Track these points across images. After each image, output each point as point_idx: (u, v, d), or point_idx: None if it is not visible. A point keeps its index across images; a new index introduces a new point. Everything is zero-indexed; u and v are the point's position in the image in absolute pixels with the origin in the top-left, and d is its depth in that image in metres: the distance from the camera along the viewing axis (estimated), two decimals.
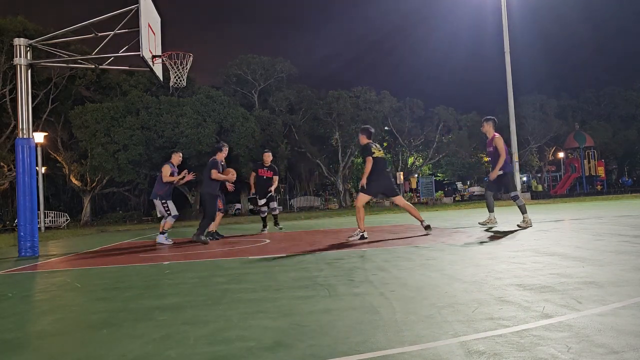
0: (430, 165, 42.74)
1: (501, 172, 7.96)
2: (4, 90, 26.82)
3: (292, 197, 45.32)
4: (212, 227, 8.97)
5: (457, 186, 47.78)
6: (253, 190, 10.42)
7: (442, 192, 42.50)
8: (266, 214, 10.30)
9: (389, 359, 1.79)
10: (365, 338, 2.06)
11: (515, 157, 25.22)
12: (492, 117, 8.53)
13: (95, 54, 8.84)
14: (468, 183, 49.05)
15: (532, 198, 28.11)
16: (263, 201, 10.12)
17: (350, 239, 6.89)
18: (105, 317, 2.79)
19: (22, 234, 7.93)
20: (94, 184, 34.75)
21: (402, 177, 37.89)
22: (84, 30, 8.62)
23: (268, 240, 7.93)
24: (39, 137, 21.42)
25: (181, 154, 9.33)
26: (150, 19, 8.54)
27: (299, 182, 46.69)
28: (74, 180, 33.72)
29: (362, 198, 7.20)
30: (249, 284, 3.64)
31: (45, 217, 23.76)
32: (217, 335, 2.25)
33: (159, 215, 9.05)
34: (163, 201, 8.69)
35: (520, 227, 7.52)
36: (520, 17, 43.29)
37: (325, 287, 3.29)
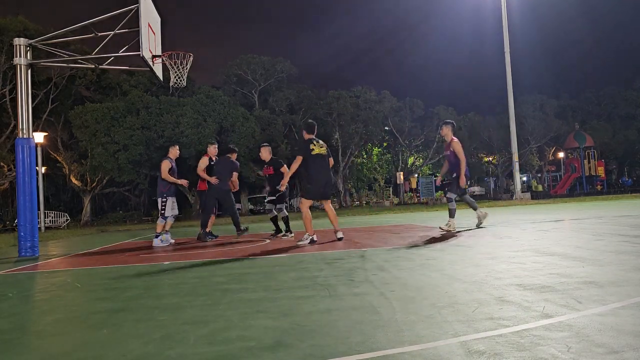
0: (430, 165, 42.73)
1: (455, 175, 7.82)
2: (4, 90, 26.81)
3: (292, 197, 45.34)
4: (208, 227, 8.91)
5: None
6: (267, 189, 9.09)
7: (442, 192, 42.51)
8: (275, 215, 8.84)
9: (389, 359, 1.79)
10: (365, 338, 2.06)
11: (515, 157, 25.22)
12: (452, 121, 8.19)
13: (95, 54, 8.84)
14: (468, 183, 49.05)
15: (532, 198, 28.10)
16: (269, 199, 8.74)
17: (299, 243, 6.57)
18: (105, 317, 2.79)
19: (22, 234, 7.93)
20: (94, 184, 34.75)
21: (402, 177, 37.89)
22: (84, 30, 8.63)
23: (268, 240, 7.93)
24: (39, 137, 21.41)
25: (178, 147, 9.23)
26: (150, 18, 8.53)
27: (299, 182, 46.69)
28: (74, 180, 33.72)
29: (306, 202, 6.84)
30: (249, 284, 3.64)
31: (45, 217, 23.75)
32: (217, 335, 2.25)
33: (172, 215, 8.73)
34: (163, 199, 8.47)
35: (442, 229, 7.59)
36: (520, 16, 43.30)
37: (325, 287, 3.29)
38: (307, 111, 36.68)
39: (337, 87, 37.44)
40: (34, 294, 3.93)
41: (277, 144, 34.36)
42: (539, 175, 44.91)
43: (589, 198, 23.93)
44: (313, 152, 6.62)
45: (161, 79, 9.25)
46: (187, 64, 9.21)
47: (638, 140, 42.35)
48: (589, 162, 38.54)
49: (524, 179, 42.81)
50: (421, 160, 42.48)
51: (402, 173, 38.17)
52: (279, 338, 2.14)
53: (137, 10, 8.11)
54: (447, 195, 7.89)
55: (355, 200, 42.43)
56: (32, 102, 11.22)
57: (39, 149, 20.43)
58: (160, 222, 8.56)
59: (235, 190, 9.10)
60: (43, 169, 25.70)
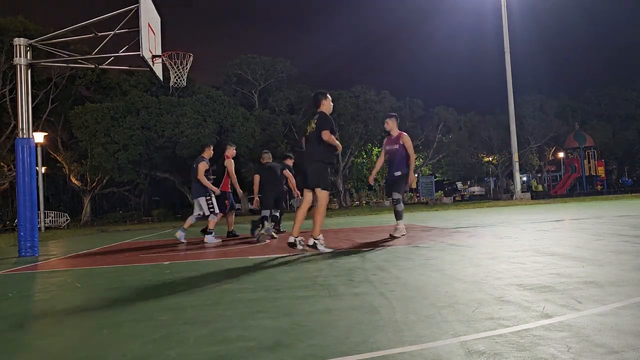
0: (430, 165, 42.76)
1: (401, 173, 6.99)
2: (4, 90, 26.82)
3: (292, 197, 45.27)
4: (215, 225, 9.02)
5: (457, 186, 47.80)
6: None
7: (442, 192, 42.52)
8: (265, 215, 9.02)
9: (389, 359, 1.79)
10: (365, 338, 2.06)
11: (515, 157, 25.22)
12: (395, 114, 7.43)
13: (95, 54, 8.84)
14: (468, 183, 49.06)
15: (532, 198, 28.10)
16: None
17: (321, 249, 5.49)
18: (105, 317, 2.79)
19: (22, 233, 7.94)
20: (94, 184, 34.75)
21: None
22: (84, 30, 8.63)
23: (268, 240, 7.93)
24: (39, 137, 21.42)
25: (212, 147, 9.01)
26: (150, 18, 8.54)
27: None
28: (74, 180, 33.73)
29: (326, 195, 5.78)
30: (249, 284, 3.64)
31: (45, 217, 23.76)
32: (217, 335, 2.25)
33: (199, 214, 8.64)
34: (208, 197, 8.42)
35: (392, 237, 6.78)
36: (520, 17, 43.32)
37: (325, 287, 3.29)
38: (307, 111, 36.67)
39: (337, 87, 37.45)
40: (34, 294, 3.93)
41: (277, 144, 34.35)
42: (539, 175, 44.91)
43: (589, 198, 23.94)
44: (307, 133, 5.80)
45: (161, 79, 9.25)
46: (187, 64, 9.21)
47: (638, 140, 42.36)
48: (589, 162, 38.54)
49: (524, 179, 42.80)
50: (421, 160, 42.48)
51: None
52: (279, 338, 2.14)
53: (137, 10, 8.11)
54: (394, 197, 6.91)
55: (355, 200, 42.46)
56: (32, 102, 11.21)
57: (39, 149, 20.44)
58: (212, 218, 8.54)
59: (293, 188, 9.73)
60: (43, 169, 25.70)
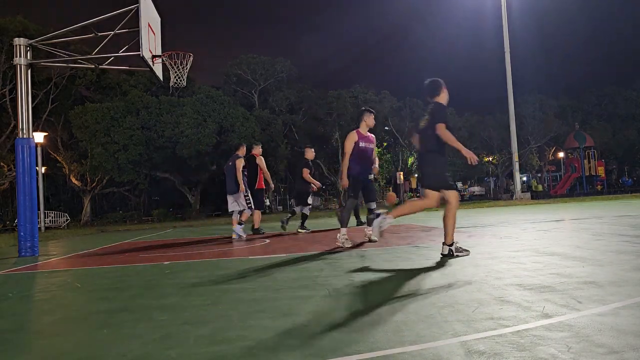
0: None
1: (372, 174, 6.63)
2: (4, 90, 26.81)
3: (292, 197, 45.28)
4: (245, 222, 9.34)
5: (457, 186, 47.76)
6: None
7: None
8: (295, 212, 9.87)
9: (389, 359, 1.79)
10: (365, 338, 2.06)
11: (515, 157, 25.21)
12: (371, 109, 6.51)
13: (95, 54, 8.84)
14: (468, 183, 49.06)
15: (532, 198, 28.10)
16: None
17: (458, 254, 4.54)
18: (105, 317, 2.79)
19: (22, 234, 7.94)
20: (94, 184, 34.75)
21: (402, 177, 37.89)
22: (84, 30, 8.63)
23: (268, 240, 7.93)
24: (39, 137, 21.41)
25: (245, 146, 9.41)
26: (150, 18, 8.54)
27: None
28: (74, 180, 33.72)
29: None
30: (249, 284, 3.64)
31: (45, 217, 23.75)
32: (217, 335, 2.25)
33: (232, 209, 9.02)
34: (245, 193, 8.86)
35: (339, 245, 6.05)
36: (520, 16, 43.32)
37: (325, 287, 3.29)
38: (307, 111, 36.71)
39: (337, 87, 37.47)
40: (34, 294, 3.93)
41: (277, 144, 34.36)
42: (539, 175, 44.91)
43: (589, 198, 23.94)
44: (420, 127, 4.86)
45: (161, 79, 9.25)
46: (187, 64, 9.21)
47: (638, 140, 42.36)
48: (589, 162, 38.55)
49: (524, 179, 42.79)
50: None
51: (402, 173, 38.17)
52: (279, 338, 2.14)
53: (137, 10, 8.11)
54: (373, 206, 6.38)
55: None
56: (32, 102, 11.22)
57: (39, 149, 20.43)
58: (247, 212, 8.92)
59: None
60: (43, 169, 25.69)
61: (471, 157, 4.52)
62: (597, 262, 3.70)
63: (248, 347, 2.03)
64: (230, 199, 8.96)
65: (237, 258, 5.53)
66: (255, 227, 9.40)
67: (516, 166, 25.14)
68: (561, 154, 41.35)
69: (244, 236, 8.79)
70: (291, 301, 2.89)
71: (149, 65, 8.45)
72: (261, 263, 4.88)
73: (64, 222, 28.29)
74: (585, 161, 38.47)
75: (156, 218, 33.17)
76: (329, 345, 2.00)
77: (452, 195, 4.67)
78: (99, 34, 8.54)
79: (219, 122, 31.52)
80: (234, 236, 8.81)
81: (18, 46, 8.20)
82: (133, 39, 8.16)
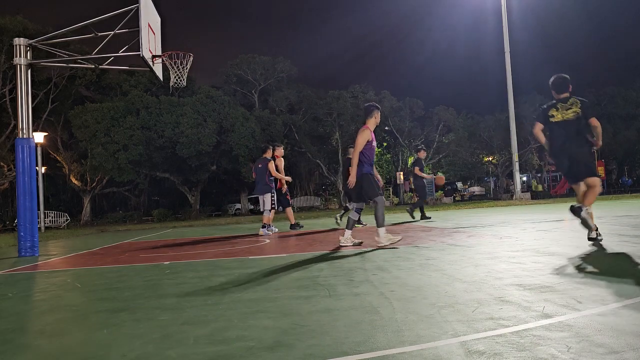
0: (430, 165, 42.75)
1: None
2: (4, 90, 26.81)
3: (292, 197, 45.22)
4: (267, 220, 9.70)
5: (457, 186, 47.76)
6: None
7: (442, 192, 42.50)
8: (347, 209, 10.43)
9: (389, 359, 1.79)
10: (365, 338, 2.06)
11: (515, 157, 25.21)
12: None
13: (95, 54, 8.84)
14: (468, 183, 49.06)
15: (532, 198, 28.10)
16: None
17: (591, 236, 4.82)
18: (105, 317, 2.79)
19: (22, 233, 7.94)
20: (94, 184, 34.75)
21: (402, 177, 37.88)
22: (84, 30, 8.63)
23: (268, 240, 7.93)
24: (39, 137, 21.41)
25: (272, 148, 10.00)
26: (150, 18, 8.54)
27: (299, 182, 46.69)
28: (74, 180, 33.72)
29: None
30: (249, 283, 3.64)
31: (45, 217, 23.74)
32: (217, 335, 2.25)
33: (262, 209, 9.67)
34: (273, 194, 9.49)
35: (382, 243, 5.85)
36: (520, 17, 43.32)
37: (325, 287, 3.29)
38: (307, 111, 36.69)
39: (337, 87, 37.48)
40: (34, 294, 3.93)
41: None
42: (539, 175, 44.90)
43: None
44: (552, 120, 5.15)
45: (161, 79, 9.25)
46: (187, 64, 9.21)
47: (638, 140, 42.35)
48: (548, 163, 38.53)
49: (524, 179, 42.78)
50: None
51: (402, 173, 38.15)
52: (279, 338, 2.14)
53: (137, 10, 8.11)
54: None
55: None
56: (32, 102, 11.21)
57: (39, 149, 20.42)
58: (266, 214, 9.53)
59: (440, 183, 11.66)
60: (43, 169, 25.69)
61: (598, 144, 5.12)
62: (597, 262, 3.70)
63: (248, 347, 2.03)
64: (260, 199, 9.64)
65: (237, 258, 5.53)
66: (292, 223, 10.19)
67: (516, 166, 25.14)
68: None
69: (271, 233, 9.40)
70: (291, 301, 2.89)
71: (149, 65, 8.45)
72: (261, 263, 4.88)
73: (63, 222, 28.29)
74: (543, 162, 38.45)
75: (156, 218, 33.17)
76: (328, 345, 2.00)
77: (596, 182, 5.05)
78: (99, 34, 8.53)
79: (219, 122, 31.52)
80: (261, 233, 9.37)
81: (18, 46, 8.20)
82: (133, 39, 8.16)
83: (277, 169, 9.76)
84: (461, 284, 3.13)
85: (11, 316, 3.02)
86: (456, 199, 38.70)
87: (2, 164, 27.55)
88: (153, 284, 3.93)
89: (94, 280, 4.50)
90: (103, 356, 2.05)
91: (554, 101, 5.28)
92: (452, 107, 39.38)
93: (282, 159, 10.04)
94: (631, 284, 2.85)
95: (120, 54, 8.50)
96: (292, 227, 10.38)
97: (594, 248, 4.50)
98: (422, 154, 12.26)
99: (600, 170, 38.94)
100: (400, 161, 40.92)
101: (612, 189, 38.34)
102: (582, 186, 5.14)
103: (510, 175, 34.45)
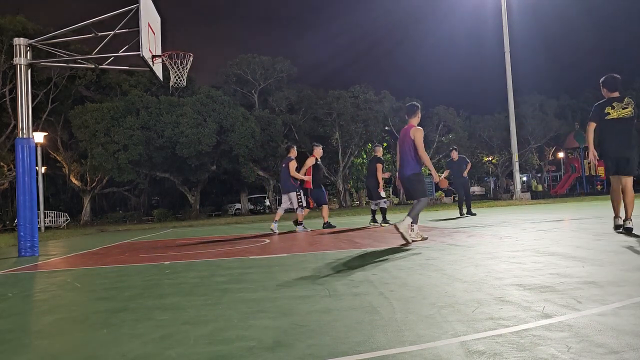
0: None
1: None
2: (4, 90, 26.80)
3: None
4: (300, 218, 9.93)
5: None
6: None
7: (443, 192, 42.47)
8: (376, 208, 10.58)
9: (389, 359, 1.79)
10: (365, 338, 2.06)
11: (515, 157, 25.21)
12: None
13: (95, 54, 8.84)
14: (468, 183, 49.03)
15: (532, 198, 28.11)
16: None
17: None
18: (105, 317, 2.79)
19: (22, 233, 7.93)
20: (94, 184, 34.75)
21: None
22: (84, 30, 8.63)
23: (268, 240, 7.93)
24: (39, 137, 21.41)
25: (295, 148, 10.28)
26: (150, 18, 8.54)
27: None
28: (74, 180, 33.72)
29: (612, 179, 5.70)
30: (249, 283, 3.64)
31: (45, 217, 23.74)
32: (217, 335, 2.25)
33: (285, 207, 9.94)
34: (298, 192, 9.64)
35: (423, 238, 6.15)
36: (520, 17, 43.31)
37: (325, 287, 3.29)
38: (307, 111, 36.69)
39: (337, 87, 37.45)
40: (34, 294, 3.93)
41: (277, 144, 34.34)
42: (539, 175, 44.91)
43: (589, 198, 23.93)
44: (608, 117, 5.53)
45: (161, 79, 9.25)
46: (187, 64, 9.21)
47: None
48: (589, 162, 38.52)
49: (524, 179, 42.81)
50: None
51: None
52: (278, 338, 2.14)
53: (137, 10, 8.11)
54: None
55: (355, 200, 42.42)
56: (32, 102, 11.21)
57: (39, 148, 20.43)
58: (299, 212, 9.79)
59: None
60: (43, 169, 25.69)
61: None
62: (597, 262, 3.70)
63: (248, 347, 2.03)
64: (284, 197, 9.86)
65: (237, 258, 5.53)
66: (325, 221, 10.19)
67: (516, 166, 25.14)
68: (561, 154, 41.34)
69: (303, 232, 9.50)
70: (291, 301, 2.89)
71: (149, 65, 8.45)
72: (261, 263, 4.88)
73: (63, 222, 28.29)
74: (585, 161, 38.46)
75: (156, 218, 33.16)
76: (328, 345, 2.00)
77: (630, 181, 5.54)
78: (99, 34, 8.53)
79: (218, 122, 31.51)
80: (272, 227, 9.70)
81: (18, 46, 8.20)
82: (133, 39, 8.16)
83: (299, 169, 9.90)
84: (461, 284, 3.13)
85: (11, 316, 3.02)
86: (456, 199, 38.66)
87: (2, 164, 27.54)
88: (153, 284, 3.93)
89: (93, 280, 4.50)
90: (103, 356, 2.05)
91: (606, 99, 5.61)
92: (452, 107, 39.36)
93: (315, 158, 9.98)
94: (631, 284, 2.84)
95: (120, 54, 8.50)
96: (327, 225, 10.22)
97: (594, 248, 4.50)
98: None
99: (601, 170, 38.95)
100: None
101: None
102: (617, 181, 5.58)
103: (510, 175, 34.45)
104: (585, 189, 37.29)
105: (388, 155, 42.33)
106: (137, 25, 8.07)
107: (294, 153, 9.99)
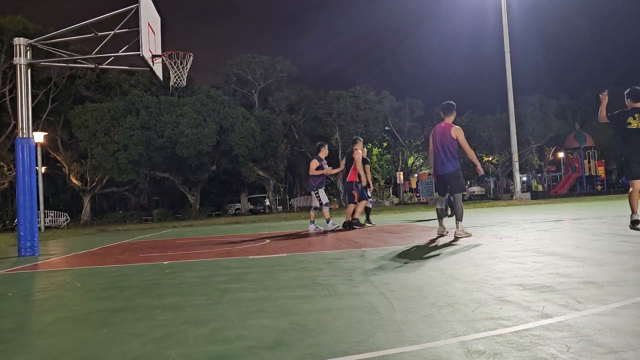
0: (431, 165, 42.80)
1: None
2: (4, 90, 26.81)
3: (292, 197, 45.32)
4: (356, 214, 9.64)
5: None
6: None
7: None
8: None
9: (389, 359, 1.79)
10: (365, 338, 2.06)
11: (515, 157, 25.20)
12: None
13: (95, 54, 8.83)
14: (468, 183, 49.03)
15: (532, 198, 28.11)
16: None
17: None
18: (105, 317, 2.79)
19: (22, 233, 7.93)
20: (94, 184, 34.74)
21: (402, 177, 37.87)
22: (84, 30, 8.62)
23: (268, 240, 7.93)
24: (39, 136, 21.40)
25: (327, 147, 10.28)
26: (150, 18, 8.53)
27: (299, 182, 46.72)
28: (74, 180, 33.72)
29: (634, 183, 6.01)
30: (249, 283, 3.64)
31: (45, 217, 23.73)
32: (217, 335, 2.25)
33: (313, 206, 10.10)
34: (315, 191, 9.68)
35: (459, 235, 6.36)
36: (520, 17, 43.30)
37: (325, 286, 3.29)
38: (307, 111, 36.69)
39: (337, 87, 37.45)
40: (33, 294, 3.93)
41: (277, 144, 34.33)
42: (539, 175, 44.91)
43: (589, 198, 23.94)
44: (630, 127, 5.96)
45: (161, 78, 9.25)
46: (187, 64, 9.20)
47: None
48: (589, 162, 38.54)
49: (524, 179, 42.78)
50: (421, 160, 42.47)
51: (402, 173, 38.15)
52: (278, 337, 2.14)
53: (137, 10, 8.11)
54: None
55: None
56: (32, 102, 11.21)
57: (38, 148, 20.42)
58: (325, 209, 9.68)
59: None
60: (43, 169, 25.68)
61: None
62: (597, 262, 3.70)
63: (248, 347, 2.03)
64: (313, 195, 9.97)
65: (237, 258, 5.53)
66: (355, 216, 9.73)
67: (516, 166, 25.13)
68: (561, 154, 41.33)
69: (334, 227, 9.49)
70: (291, 301, 2.89)
71: (149, 65, 8.44)
72: (261, 263, 4.88)
73: (63, 221, 28.29)
74: (586, 161, 38.47)
75: (156, 218, 33.15)
76: (328, 344, 2.00)
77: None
78: (99, 33, 8.53)
79: (218, 122, 31.51)
80: (309, 229, 9.77)
81: (18, 46, 8.19)
82: (133, 38, 8.15)
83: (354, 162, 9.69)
84: (461, 284, 3.13)
85: (11, 316, 3.02)
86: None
87: (2, 163, 27.54)
88: (153, 284, 3.93)
89: (93, 279, 4.50)
90: (103, 355, 2.05)
91: (629, 109, 6.03)
92: None
93: (360, 151, 9.59)
94: (631, 284, 2.85)
95: (120, 53, 8.49)
96: (355, 221, 9.88)
97: (594, 248, 4.50)
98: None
99: (601, 170, 38.97)
100: (400, 161, 40.90)
101: (612, 189, 38.34)
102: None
103: (510, 175, 34.44)
104: (585, 189, 37.28)
105: (388, 155, 42.35)
106: (137, 25, 8.06)
107: (324, 153, 9.89)
